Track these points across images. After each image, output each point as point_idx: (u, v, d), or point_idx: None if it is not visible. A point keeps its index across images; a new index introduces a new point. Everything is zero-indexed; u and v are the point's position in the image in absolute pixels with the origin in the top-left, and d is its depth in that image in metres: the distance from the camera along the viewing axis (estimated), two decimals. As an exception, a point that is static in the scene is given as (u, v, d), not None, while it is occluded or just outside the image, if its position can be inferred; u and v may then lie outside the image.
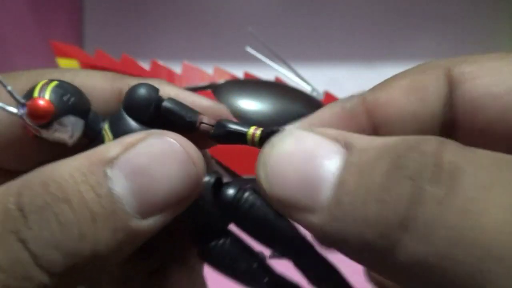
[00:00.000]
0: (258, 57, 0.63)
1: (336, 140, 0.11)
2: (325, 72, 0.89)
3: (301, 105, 0.50)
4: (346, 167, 0.10)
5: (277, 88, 0.52)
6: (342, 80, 0.89)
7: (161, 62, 0.64)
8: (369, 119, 0.13)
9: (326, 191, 0.10)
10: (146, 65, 0.63)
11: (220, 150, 0.45)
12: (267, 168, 0.11)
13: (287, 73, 0.62)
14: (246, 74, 0.63)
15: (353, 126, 0.13)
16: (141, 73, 0.63)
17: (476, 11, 0.90)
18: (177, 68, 0.66)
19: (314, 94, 0.60)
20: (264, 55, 0.63)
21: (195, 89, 0.51)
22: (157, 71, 0.63)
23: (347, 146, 0.10)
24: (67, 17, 0.80)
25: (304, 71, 0.70)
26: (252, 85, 0.51)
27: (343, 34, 0.89)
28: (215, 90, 0.49)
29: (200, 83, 0.55)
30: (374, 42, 0.89)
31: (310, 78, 0.64)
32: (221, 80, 0.53)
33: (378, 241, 0.09)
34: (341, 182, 0.10)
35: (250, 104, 0.48)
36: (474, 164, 0.10)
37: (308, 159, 0.10)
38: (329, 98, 0.59)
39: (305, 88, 0.61)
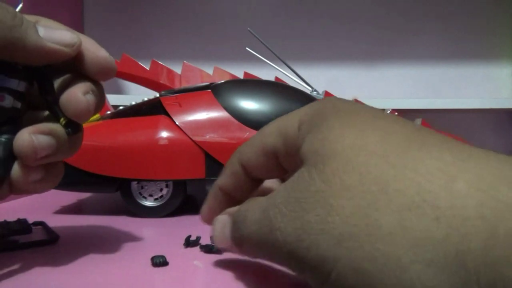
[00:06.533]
0: (258, 57, 0.63)
1: (228, 214, 0.23)
2: (325, 72, 0.90)
3: (301, 105, 0.50)
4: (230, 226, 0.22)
5: (277, 88, 0.52)
6: (342, 80, 0.89)
7: (161, 62, 0.64)
8: (246, 174, 0.23)
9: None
10: (146, 65, 0.63)
11: (219, 149, 0.45)
12: (214, 230, 0.24)
13: (287, 73, 0.62)
14: (246, 74, 0.63)
15: (240, 183, 0.24)
16: (141, 73, 0.63)
17: (476, 11, 0.90)
18: (177, 68, 0.66)
19: (314, 94, 0.60)
20: (264, 55, 0.63)
21: (195, 89, 0.51)
22: (157, 71, 0.63)
23: (228, 213, 0.23)
24: (67, 17, 0.80)
25: (304, 71, 0.70)
26: (252, 85, 0.51)
27: (343, 34, 0.90)
28: (215, 90, 0.49)
29: (200, 83, 0.55)
30: (374, 42, 0.90)
31: (310, 78, 0.64)
32: (221, 80, 0.53)
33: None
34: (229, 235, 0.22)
35: (250, 104, 0.48)
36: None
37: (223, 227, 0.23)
38: (329, 98, 0.59)
39: (305, 88, 0.62)
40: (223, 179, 0.24)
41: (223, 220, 0.23)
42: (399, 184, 0.14)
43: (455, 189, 0.14)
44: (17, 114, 0.24)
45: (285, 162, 0.21)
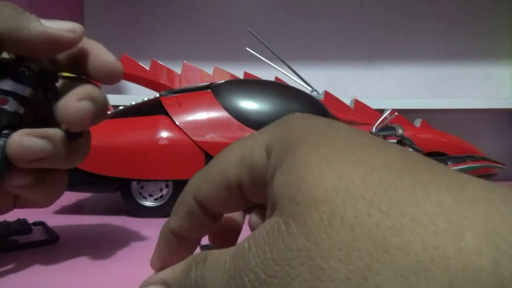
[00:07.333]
0: (258, 57, 0.63)
1: (160, 283, 0.19)
2: (325, 72, 0.90)
3: (301, 105, 0.50)
4: None
5: (277, 88, 0.52)
6: (342, 80, 0.89)
7: (161, 62, 0.64)
8: (204, 212, 0.19)
9: None
10: (146, 65, 0.63)
11: (219, 149, 0.45)
12: None
13: (287, 73, 0.62)
14: (246, 74, 0.63)
15: (197, 222, 0.20)
16: (141, 73, 0.63)
17: (476, 11, 0.90)
18: (177, 68, 0.66)
19: (314, 94, 0.60)
20: (264, 55, 0.63)
21: (195, 89, 0.51)
22: (157, 71, 0.64)
23: (164, 283, 0.19)
24: (67, 17, 0.80)
25: (304, 71, 0.70)
26: (252, 85, 0.51)
27: (343, 34, 0.90)
28: (215, 90, 0.49)
29: (200, 83, 0.55)
30: (374, 42, 0.90)
31: (310, 78, 0.64)
32: (221, 80, 0.53)
33: None
34: None
35: (250, 104, 0.48)
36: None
37: None
38: (329, 98, 0.59)
39: (305, 88, 0.62)
40: (176, 222, 0.21)
41: None
42: (399, 239, 0.12)
43: (464, 245, 0.12)
44: (19, 119, 0.24)
45: (251, 194, 0.19)
